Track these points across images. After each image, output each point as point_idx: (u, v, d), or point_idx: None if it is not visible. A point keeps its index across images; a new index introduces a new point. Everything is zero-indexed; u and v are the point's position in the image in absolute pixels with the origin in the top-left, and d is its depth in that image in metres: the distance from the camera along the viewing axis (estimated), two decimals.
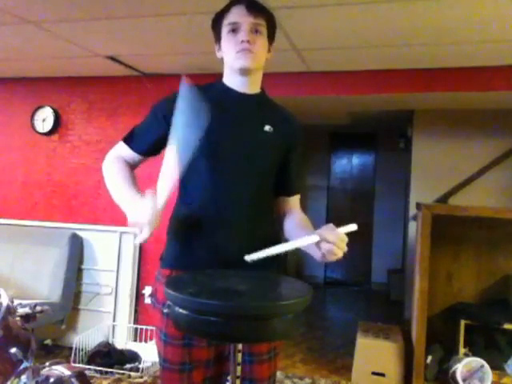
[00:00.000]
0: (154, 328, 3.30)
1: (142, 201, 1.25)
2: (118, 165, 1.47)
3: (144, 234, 1.23)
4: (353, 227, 1.26)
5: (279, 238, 1.57)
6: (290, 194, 1.56)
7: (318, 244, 1.26)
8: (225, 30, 1.41)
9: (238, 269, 1.33)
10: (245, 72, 1.42)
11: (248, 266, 1.31)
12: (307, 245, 1.30)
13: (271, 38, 1.47)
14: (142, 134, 1.48)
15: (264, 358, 1.44)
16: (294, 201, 1.56)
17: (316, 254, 1.30)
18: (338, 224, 1.28)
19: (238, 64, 1.40)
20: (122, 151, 1.49)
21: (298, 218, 1.52)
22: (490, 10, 2.22)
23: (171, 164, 1.27)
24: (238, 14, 1.38)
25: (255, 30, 1.38)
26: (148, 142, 1.47)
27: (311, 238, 1.27)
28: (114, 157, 1.49)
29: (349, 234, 1.27)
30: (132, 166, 1.50)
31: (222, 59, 1.48)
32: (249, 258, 1.26)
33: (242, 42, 1.36)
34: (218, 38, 1.45)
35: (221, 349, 1.41)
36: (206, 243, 1.41)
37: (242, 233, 1.41)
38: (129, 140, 1.49)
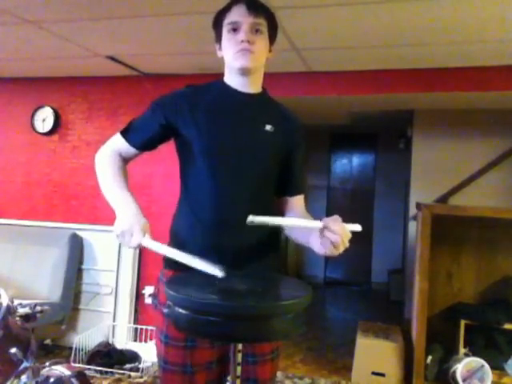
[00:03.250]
0: (154, 328, 3.28)
1: (133, 224, 1.28)
2: (111, 159, 1.46)
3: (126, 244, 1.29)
4: (357, 227, 1.23)
5: (280, 239, 1.57)
6: (293, 193, 1.54)
7: (322, 234, 1.22)
8: (225, 29, 1.40)
9: (239, 268, 1.33)
10: (244, 72, 1.41)
11: (248, 265, 1.30)
12: (310, 228, 1.26)
13: (272, 37, 1.46)
14: (140, 128, 1.48)
15: (267, 358, 1.44)
16: (297, 201, 1.55)
17: (317, 245, 1.26)
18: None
19: (237, 64, 1.39)
20: (118, 143, 1.48)
21: (301, 217, 1.50)
22: (490, 10, 2.22)
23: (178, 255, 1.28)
24: (238, 14, 1.38)
25: (255, 30, 1.38)
26: (145, 137, 1.47)
27: (315, 222, 1.24)
28: (109, 149, 1.48)
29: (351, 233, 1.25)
30: (126, 160, 1.49)
31: (222, 58, 1.47)
32: (251, 219, 1.21)
33: (242, 41, 1.36)
34: (218, 37, 1.45)
35: (223, 351, 1.40)
36: (207, 244, 1.40)
37: (243, 233, 1.40)
38: (126, 133, 1.48)
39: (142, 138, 1.47)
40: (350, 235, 1.22)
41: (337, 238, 1.19)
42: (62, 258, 3.46)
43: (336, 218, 1.23)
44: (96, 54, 3.19)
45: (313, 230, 1.26)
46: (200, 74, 3.45)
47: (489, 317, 3.10)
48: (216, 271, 1.19)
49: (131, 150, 1.48)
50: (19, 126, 3.98)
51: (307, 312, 1.17)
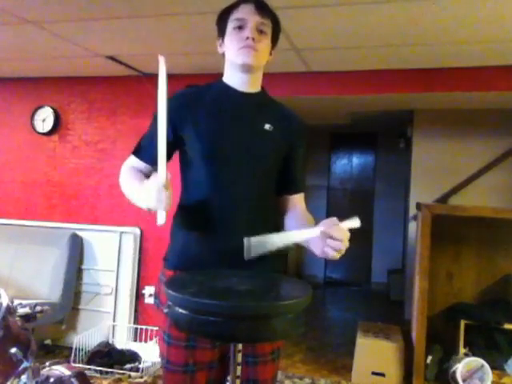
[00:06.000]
0: (154, 328, 3.29)
1: (148, 183, 1.24)
2: (131, 172, 1.46)
3: (162, 214, 1.23)
4: (355, 223, 1.22)
5: None
6: (293, 192, 1.54)
7: (322, 239, 1.22)
8: (230, 25, 1.41)
9: (239, 269, 1.33)
10: (246, 68, 1.42)
11: (249, 266, 1.30)
12: (309, 238, 1.25)
13: (274, 40, 1.48)
14: (149, 143, 1.46)
15: (268, 358, 1.44)
16: (297, 199, 1.55)
17: (317, 250, 1.25)
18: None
19: (239, 60, 1.40)
20: (133, 163, 1.49)
21: (301, 216, 1.50)
22: (490, 9, 2.22)
23: (161, 140, 1.25)
24: (245, 11, 1.40)
25: (260, 30, 1.40)
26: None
27: (313, 230, 1.23)
28: (128, 168, 1.49)
29: (349, 232, 1.23)
30: (147, 176, 1.48)
31: (222, 56, 1.48)
32: (247, 241, 1.23)
33: (247, 38, 1.37)
34: (221, 33, 1.46)
35: (225, 350, 1.40)
36: (208, 243, 1.41)
37: (244, 232, 1.40)
38: (137, 152, 1.49)
39: (154, 152, 1.46)
40: (348, 235, 1.22)
41: (339, 245, 1.20)
42: (62, 258, 3.46)
43: (334, 221, 1.22)
44: (96, 54, 3.19)
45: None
46: (200, 73, 3.45)
47: (489, 317, 3.11)
48: None
49: (148, 167, 1.47)
50: (19, 126, 3.98)
51: (307, 312, 1.17)
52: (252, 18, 1.38)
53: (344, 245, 1.20)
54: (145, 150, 1.47)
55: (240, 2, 1.42)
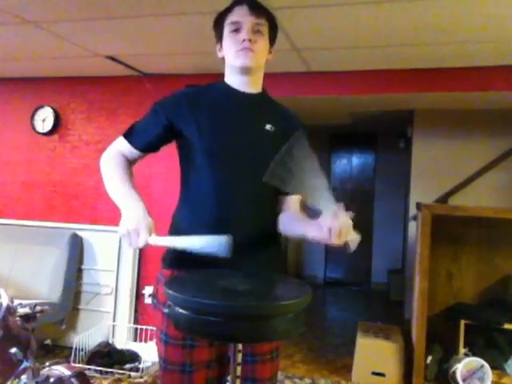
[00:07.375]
0: (154, 328, 3.28)
1: (139, 220, 1.27)
2: (116, 160, 1.47)
3: (133, 244, 1.27)
4: (356, 238, 1.25)
5: (281, 239, 1.57)
6: (288, 193, 1.55)
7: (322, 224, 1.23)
8: (226, 29, 1.42)
9: (239, 269, 1.33)
10: (245, 71, 1.42)
11: (248, 266, 1.30)
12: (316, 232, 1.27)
13: (272, 39, 1.48)
14: (142, 130, 1.48)
15: (266, 358, 1.43)
16: (293, 200, 1.55)
17: (313, 232, 1.28)
18: None
19: (238, 62, 1.40)
20: (121, 146, 1.49)
21: (294, 217, 1.50)
22: (490, 9, 2.22)
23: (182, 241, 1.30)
24: (240, 14, 1.40)
25: (256, 30, 1.40)
26: (148, 139, 1.47)
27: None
28: (114, 151, 1.49)
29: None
30: (131, 162, 1.50)
31: (223, 59, 1.48)
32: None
33: (244, 40, 1.37)
34: (219, 38, 1.46)
35: (222, 349, 1.40)
36: None
37: (243, 232, 1.40)
38: (129, 135, 1.49)
39: (145, 139, 1.47)
40: (347, 227, 1.23)
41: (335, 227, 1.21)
42: (62, 258, 3.46)
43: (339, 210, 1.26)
44: (96, 54, 3.19)
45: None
46: (200, 74, 3.45)
47: (489, 317, 3.11)
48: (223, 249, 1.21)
49: (135, 153, 1.48)
50: (19, 126, 3.98)
51: (307, 312, 1.17)
52: (247, 19, 1.38)
53: (340, 231, 1.22)
54: (136, 135, 1.48)
55: (234, 4, 1.42)
